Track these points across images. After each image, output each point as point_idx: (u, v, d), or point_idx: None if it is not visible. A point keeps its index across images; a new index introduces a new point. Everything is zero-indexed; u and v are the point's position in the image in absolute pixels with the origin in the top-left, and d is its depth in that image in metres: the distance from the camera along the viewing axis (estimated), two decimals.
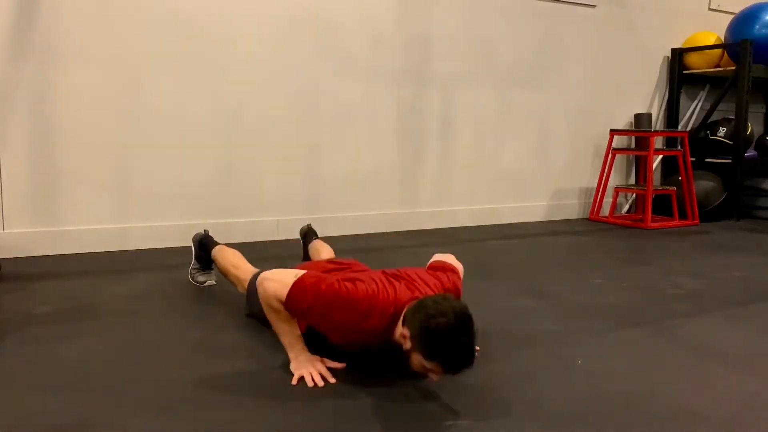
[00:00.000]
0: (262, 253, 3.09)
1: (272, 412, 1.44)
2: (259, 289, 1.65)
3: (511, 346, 1.89)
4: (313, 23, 3.50)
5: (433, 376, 1.50)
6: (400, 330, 1.54)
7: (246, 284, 2.09)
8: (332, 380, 1.61)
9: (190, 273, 2.53)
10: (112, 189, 3.11)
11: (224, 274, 2.31)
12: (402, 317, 1.55)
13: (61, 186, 3.01)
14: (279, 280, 1.62)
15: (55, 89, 2.95)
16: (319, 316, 1.62)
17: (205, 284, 2.50)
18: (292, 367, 1.65)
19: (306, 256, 2.68)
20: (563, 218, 4.53)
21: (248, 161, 3.42)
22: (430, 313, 1.46)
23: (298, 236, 2.84)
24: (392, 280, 1.67)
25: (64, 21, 2.93)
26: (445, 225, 4.03)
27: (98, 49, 3.01)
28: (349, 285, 1.61)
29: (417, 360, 1.49)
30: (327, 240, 2.66)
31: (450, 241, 3.57)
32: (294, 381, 1.60)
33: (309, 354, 1.68)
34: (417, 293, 1.62)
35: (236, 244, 2.97)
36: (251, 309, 2.04)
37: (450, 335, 1.43)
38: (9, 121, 2.89)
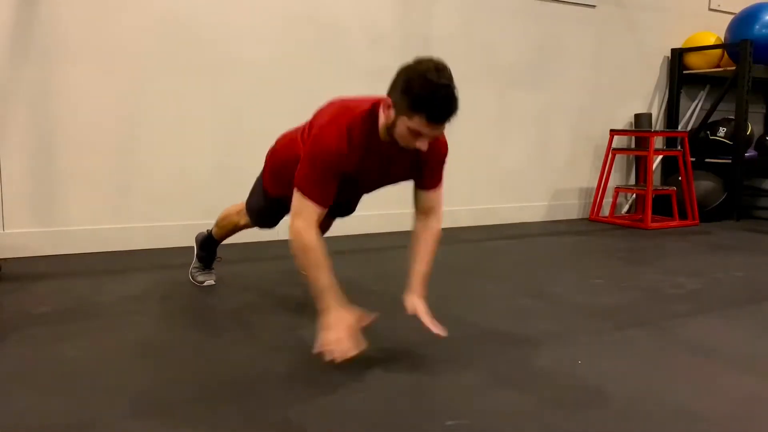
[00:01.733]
0: (263, 254, 3.09)
1: (272, 411, 1.44)
2: (290, 237, 1.69)
3: (510, 346, 1.88)
4: (313, 23, 3.50)
5: (421, 141, 1.52)
6: (383, 104, 1.60)
7: (244, 207, 2.25)
8: (353, 352, 1.55)
9: (191, 272, 2.53)
10: (112, 189, 3.11)
11: (229, 228, 2.39)
12: (384, 100, 1.62)
13: (61, 186, 3.01)
14: (293, 209, 1.71)
15: (55, 89, 2.95)
16: (316, 162, 1.67)
17: (205, 284, 2.50)
18: (323, 324, 1.61)
19: None
20: (563, 218, 4.53)
21: (248, 161, 3.41)
22: (410, 66, 1.57)
23: None
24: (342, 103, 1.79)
25: (64, 21, 2.93)
26: (445, 225, 3.98)
27: (98, 49, 3.01)
28: (320, 130, 1.69)
29: (402, 125, 1.53)
30: (327, 240, 2.65)
31: (450, 241, 3.57)
32: (317, 349, 1.57)
33: (341, 310, 1.63)
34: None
35: (236, 244, 2.98)
36: (249, 204, 2.22)
37: (431, 81, 1.50)
38: (9, 121, 2.89)
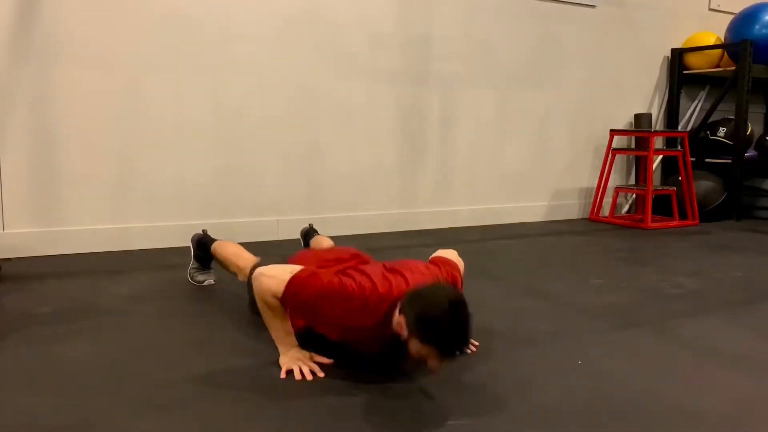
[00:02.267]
0: (262, 254, 3.08)
1: (272, 411, 1.44)
2: (255, 284, 1.66)
3: (511, 346, 1.89)
4: (313, 23, 3.50)
5: (432, 363, 1.51)
6: (397, 318, 1.54)
7: (247, 272, 2.09)
8: (321, 374, 1.63)
9: (189, 273, 2.53)
10: (112, 189, 3.11)
11: (225, 265, 2.31)
12: (398, 307, 1.56)
13: (61, 186, 3.01)
14: (275, 276, 1.62)
15: (55, 89, 2.95)
16: (315, 312, 1.63)
17: (204, 284, 2.50)
18: (281, 361, 1.67)
19: None
20: (563, 218, 4.53)
21: (248, 161, 3.42)
22: (426, 299, 1.49)
23: (298, 236, 2.85)
24: (389, 273, 1.67)
25: (64, 21, 2.93)
26: (445, 225, 4.03)
27: (98, 49, 3.01)
28: (344, 279, 1.61)
29: (414, 347, 1.50)
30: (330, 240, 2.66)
31: (450, 242, 3.57)
32: (282, 374, 1.62)
33: (299, 349, 1.70)
34: (413, 286, 1.63)
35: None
36: (254, 300, 2.03)
37: (444, 320, 1.45)
38: (9, 121, 2.89)
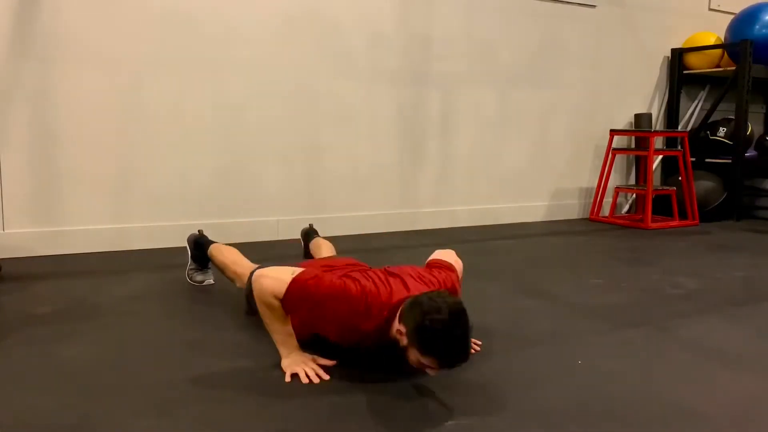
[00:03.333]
0: (263, 254, 3.09)
1: (272, 411, 1.44)
2: (255, 285, 1.65)
3: (511, 346, 1.88)
4: (313, 23, 3.50)
5: (431, 371, 1.51)
6: (397, 327, 1.54)
7: (245, 279, 2.09)
8: (326, 377, 1.61)
9: (188, 273, 2.53)
10: (112, 189, 3.11)
11: (222, 270, 2.31)
12: (398, 314, 1.56)
13: (61, 186, 3.01)
14: (276, 278, 1.62)
15: (55, 89, 2.95)
16: (316, 314, 1.63)
17: (204, 283, 2.50)
18: (284, 364, 1.66)
19: (307, 255, 2.69)
20: (563, 218, 4.53)
21: (248, 161, 3.42)
22: (425, 309, 1.47)
23: (298, 236, 2.85)
24: (389, 278, 1.68)
25: (65, 21, 2.93)
26: (445, 225, 4.03)
27: (98, 49, 3.01)
28: (348, 282, 1.61)
29: (414, 356, 1.50)
30: (327, 240, 2.66)
31: (450, 241, 3.57)
32: (287, 378, 1.61)
33: (301, 352, 1.69)
34: (413, 292, 1.63)
35: (236, 244, 2.96)
36: (252, 306, 2.04)
37: (444, 331, 1.45)
38: (9, 121, 2.89)
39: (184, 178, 3.26)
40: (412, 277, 1.70)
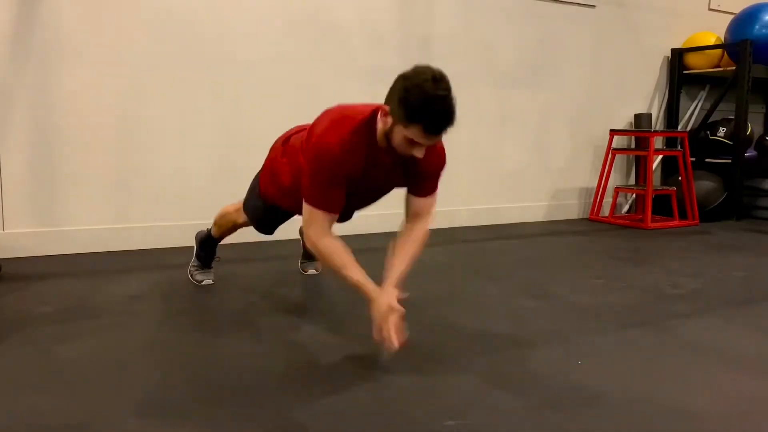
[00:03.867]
0: (263, 254, 3.09)
1: (271, 411, 1.44)
2: (309, 243, 1.72)
3: (511, 346, 1.88)
4: (313, 23, 3.50)
5: (418, 149, 1.52)
6: (381, 110, 1.57)
7: (240, 206, 2.25)
8: (404, 336, 1.61)
9: (189, 270, 2.53)
10: (112, 189, 3.11)
11: (229, 225, 2.37)
12: (382, 107, 1.60)
13: (61, 186, 3.01)
14: (305, 220, 1.71)
15: (55, 89, 2.95)
16: (322, 168, 1.68)
17: (203, 283, 2.50)
18: (375, 309, 1.65)
19: (306, 255, 2.70)
20: (563, 218, 4.53)
21: (248, 161, 3.40)
22: (407, 75, 1.52)
23: (298, 236, 2.85)
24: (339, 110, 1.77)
25: (65, 21, 2.93)
26: (445, 225, 4.03)
27: (98, 49, 3.01)
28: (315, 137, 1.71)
29: (399, 134, 1.52)
30: None
31: (450, 242, 3.57)
32: (376, 335, 1.63)
33: (381, 297, 1.65)
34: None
35: (236, 244, 2.98)
36: (246, 205, 2.23)
37: (427, 92, 1.47)
38: (9, 121, 2.89)
39: (183, 178, 3.26)
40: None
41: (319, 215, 1.68)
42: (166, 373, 1.64)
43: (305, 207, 1.72)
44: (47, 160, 2.97)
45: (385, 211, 3.85)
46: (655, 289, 2.60)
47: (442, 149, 1.85)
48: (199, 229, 2.60)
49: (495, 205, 4.24)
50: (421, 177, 1.81)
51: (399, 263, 1.81)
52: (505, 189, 4.29)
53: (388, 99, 1.56)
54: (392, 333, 1.61)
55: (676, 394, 1.57)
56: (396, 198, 4.16)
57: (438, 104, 1.47)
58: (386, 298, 1.66)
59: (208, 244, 2.48)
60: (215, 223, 2.43)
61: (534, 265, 3.03)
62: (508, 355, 1.81)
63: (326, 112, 1.79)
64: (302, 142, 1.85)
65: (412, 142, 1.55)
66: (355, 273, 1.70)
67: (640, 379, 1.66)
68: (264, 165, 2.12)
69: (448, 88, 1.50)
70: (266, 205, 2.14)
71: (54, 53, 2.93)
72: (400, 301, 1.68)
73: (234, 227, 2.38)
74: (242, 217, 2.29)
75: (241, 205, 2.29)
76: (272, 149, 2.11)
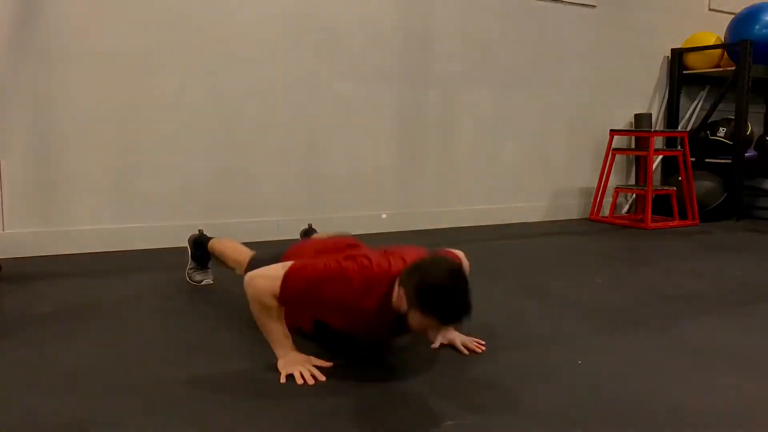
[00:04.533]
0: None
1: (270, 412, 1.44)
2: (248, 290, 1.64)
3: (510, 346, 1.88)
4: (312, 23, 3.50)
5: (433, 334, 1.52)
6: (397, 292, 1.54)
7: (245, 265, 2.09)
8: (322, 378, 1.60)
9: (188, 273, 2.53)
10: (111, 189, 3.11)
11: (223, 260, 2.31)
12: (398, 281, 1.56)
13: (61, 186, 3.01)
14: (269, 276, 1.61)
15: (56, 89, 2.95)
16: (315, 298, 1.62)
17: (203, 283, 2.50)
18: (280, 365, 1.65)
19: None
20: (563, 218, 4.53)
21: (248, 161, 3.42)
22: (424, 268, 1.50)
23: (298, 236, 2.84)
24: (387, 255, 1.67)
25: (65, 21, 2.93)
26: (446, 225, 4.03)
27: (98, 49, 3.01)
28: (343, 262, 1.61)
29: (415, 318, 1.51)
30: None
31: (450, 242, 3.57)
32: (282, 379, 1.60)
33: (297, 352, 1.68)
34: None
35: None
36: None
37: (444, 288, 1.46)
38: (9, 121, 2.89)
39: (184, 179, 3.26)
40: (410, 252, 1.70)
41: (282, 283, 1.59)
42: (165, 373, 1.64)
43: (279, 265, 1.65)
44: (47, 160, 2.97)
45: (386, 211, 3.86)
46: (655, 289, 2.60)
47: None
48: (194, 231, 2.59)
49: (495, 205, 4.24)
50: None
51: None
52: (505, 189, 4.29)
53: (405, 283, 1.52)
54: (305, 371, 1.60)
55: (676, 394, 1.57)
56: (396, 198, 4.17)
57: (454, 301, 1.48)
58: (299, 355, 1.66)
59: (202, 244, 2.48)
60: (216, 245, 2.38)
61: (534, 265, 3.03)
62: (507, 355, 1.81)
63: (370, 263, 1.64)
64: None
65: (426, 327, 1.54)
66: (282, 328, 1.67)
67: (641, 379, 1.66)
68: (296, 268, 1.67)
69: (464, 283, 1.50)
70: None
71: (54, 54, 2.93)
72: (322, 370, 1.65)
73: (224, 263, 2.32)
74: (240, 267, 2.17)
75: (248, 257, 2.16)
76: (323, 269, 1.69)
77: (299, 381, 1.59)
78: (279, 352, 1.68)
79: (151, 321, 2.08)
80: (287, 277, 1.59)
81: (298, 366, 1.63)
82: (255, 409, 1.45)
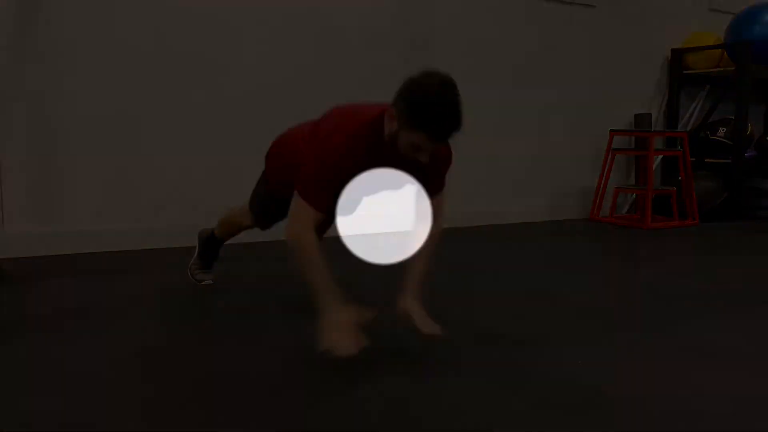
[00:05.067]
0: (263, 254, 3.09)
1: (271, 412, 1.44)
2: (288, 239, 1.67)
3: (510, 347, 1.89)
4: (313, 23, 3.50)
5: (424, 154, 1.51)
6: (388, 112, 1.55)
7: (248, 208, 2.24)
8: (362, 345, 1.56)
9: (190, 269, 2.51)
10: (112, 189, 3.11)
11: (236, 228, 2.37)
12: (390, 104, 1.57)
13: (61, 186, 3.01)
14: (292, 214, 1.70)
15: (56, 89, 2.95)
16: (320, 158, 1.65)
17: (203, 283, 2.50)
18: (325, 323, 1.59)
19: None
20: (563, 218, 4.53)
21: (248, 161, 3.41)
22: (416, 81, 1.50)
23: None
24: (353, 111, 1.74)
25: (65, 21, 2.93)
26: (445, 225, 4.01)
27: (98, 49, 3.01)
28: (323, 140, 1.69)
29: (405, 138, 1.51)
30: (327, 240, 2.65)
31: (450, 241, 3.57)
32: (324, 346, 1.55)
33: (340, 310, 1.61)
34: None
35: (236, 244, 2.97)
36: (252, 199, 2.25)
37: (434, 97, 1.45)
38: (10, 120, 2.89)
39: (184, 178, 3.26)
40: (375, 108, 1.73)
41: (308, 210, 1.67)
42: (166, 372, 1.64)
43: (296, 199, 1.71)
44: (47, 160, 2.97)
45: (386, 211, 3.85)
46: (655, 289, 2.60)
47: (448, 148, 1.86)
48: (200, 229, 2.58)
49: (495, 205, 4.24)
50: (430, 175, 1.82)
51: (415, 266, 1.83)
52: (505, 189, 4.29)
53: (395, 102, 1.55)
54: (343, 343, 1.57)
55: (676, 394, 1.57)
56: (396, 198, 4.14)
57: (444, 111, 1.46)
58: (344, 310, 1.63)
59: (211, 245, 2.47)
60: (220, 224, 2.42)
61: (534, 265, 3.03)
62: (507, 355, 1.81)
63: (336, 110, 1.79)
64: (307, 135, 1.85)
65: (417, 147, 1.54)
66: (325, 278, 1.66)
67: (640, 379, 1.66)
68: (267, 161, 2.16)
69: (455, 95, 1.48)
70: (272, 197, 2.16)
71: (54, 53, 2.93)
72: (366, 318, 1.66)
73: (239, 229, 2.38)
74: (247, 219, 2.28)
75: (246, 206, 2.29)
76: (276, 146, 2.11)
77: (343, 353, 1.53)
78: (323, 303, 1.62)
79: (151, 321, 2.08)
80: (300, 187, 1.67)
81: (341, 333, 1.57)
82: (255, 409, 1.45)
